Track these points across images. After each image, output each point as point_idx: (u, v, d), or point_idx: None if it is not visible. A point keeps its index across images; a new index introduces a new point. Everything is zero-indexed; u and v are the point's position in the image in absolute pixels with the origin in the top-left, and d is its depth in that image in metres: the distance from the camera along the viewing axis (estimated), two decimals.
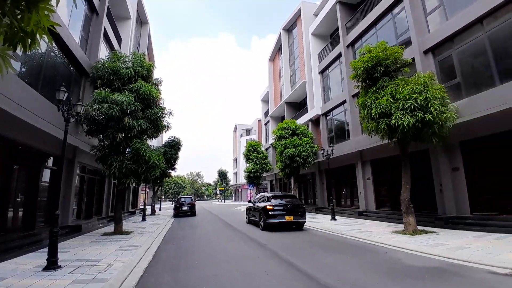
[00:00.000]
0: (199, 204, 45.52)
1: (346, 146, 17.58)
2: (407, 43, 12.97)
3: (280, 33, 31.25)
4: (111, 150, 10.99)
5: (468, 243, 7.60)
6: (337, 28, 19.85)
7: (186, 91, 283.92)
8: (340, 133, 19.59)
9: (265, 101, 40.15)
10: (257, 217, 13.07)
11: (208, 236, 11.24)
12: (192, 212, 21.88)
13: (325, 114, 21.28)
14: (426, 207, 12.21)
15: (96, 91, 10.55)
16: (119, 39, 18.66)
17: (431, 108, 8.60)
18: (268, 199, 12.56)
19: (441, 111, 8.71)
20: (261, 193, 14.97)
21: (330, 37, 22.70)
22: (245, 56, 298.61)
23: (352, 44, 18.09)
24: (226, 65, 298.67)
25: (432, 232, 9.73)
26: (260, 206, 12.79)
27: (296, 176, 21.30)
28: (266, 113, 38.01)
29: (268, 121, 35.75)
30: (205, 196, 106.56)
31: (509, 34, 9.09)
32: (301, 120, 23.93)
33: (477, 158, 10.37)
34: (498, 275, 5.10)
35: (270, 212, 11.86)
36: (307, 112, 23.82)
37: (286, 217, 11.80)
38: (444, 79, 11.34)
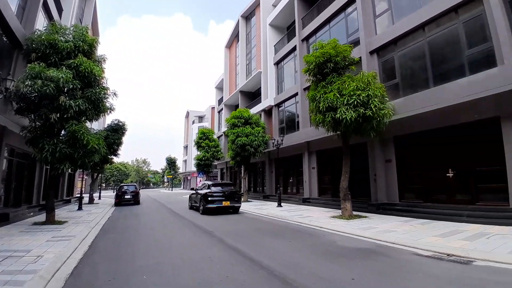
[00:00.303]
0: (144, 193, 43.68)
1: (296, 137, 18.31)
2: (356, 42, 13.77)
3: (238, 20, 30.78)
4: (44, 132, 9.83)
5: (396, 227, 8.52)
6: (294, 21, 20.21)
7: (135, 72, 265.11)
8: (290, 124, 20.29)
9: (220, 88, 39.54)
10: (198, 202, 14.27)
11: (152, 225, 10.91)
12: (135, 200, 20.93)
13: (278, 105, 21.79)
14: (362, 194, 13.41)
15: (29, 65, 9.28)
16: (60, 10, 16.49)
17: (372, 104, 9.38)
18: (209, 187, 13.84)
19: (379, 108, 9.55)
20: (203, 182, 16.10)
21: (287, 30, 23.05)
22: (201, 40, 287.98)
23: (307, 38, 18.62)
24: (179, 47, 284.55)
25: (365, 216, 10.75)
26: (201, 193, 13.90)
27: (246, 165, 21.59)
28: (220, 101, 37.53)
29: (222, 109, 35.38)
30: (151, 184, 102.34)
31: (447, 41, 10.22)
32: (255, 110, 24.17)
33: (407, 152, 11.63)
34: (422, 256, 5.75)
35: (209, 198, 13.26)
36: (260, 102, 24.11)
37: (224, 202, 13.37)
38: (385, 79, 12.37)
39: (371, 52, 12.87)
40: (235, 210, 14.23)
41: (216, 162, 32.60)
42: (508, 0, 8.46)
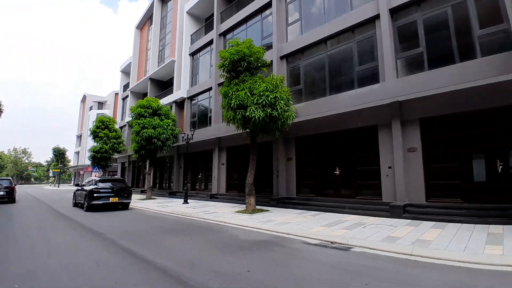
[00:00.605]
0: (22, 189, 36.22)
1: (207, 132, 18.10)
2: (269, 46, 14.45)
3: (154, 2, 28.48)
4: None
5: (292, 219, 9.30)
6: (213, 14, 19.90)
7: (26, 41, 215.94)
8: (203, 118, 19.95)
9: (126, 73, 35.77)
10: (83, 199, 13.47)
11: (30, 226, 9.06)
12: (10, 198, 17.12)
13: (191, 98, 21.12)
14: (266, 190, 14.31)
15: None
16: None
17: (278, 106, 10.03)
18: (95, 183, 13.27)
19: (284, 110, 10.30)
20: (89, 178, 15.09)
21: (205, 21, 22.54)
22: (109, 16, 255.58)
23: (224, 34, 18.59)
24: (83, 22, 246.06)
25: (267, 210, 11.44)
26: (87, 189, 13.18)
27: (152, 159, 20.17)
28: (126, 87, 33.96)
29: (127, 96, 32.03)
30: (32, 180, 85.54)
31: (343, 56, 11.73)
32: (165, 100, 22.83)
33: (305, 151, 12.91)
34: (310, 244, 6.40)
35: (95, 194, 12.59)
36: (172, 93, 22.91)
37: (111, 198, 12.84)
38: (291, 84, 13.42)
39: (281, 57, 13.76)
40: (124, 207, 13.84)
41: (116, 156, 29.39)
42: (397, 26, 10.24)
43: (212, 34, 19.21)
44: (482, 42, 8.43)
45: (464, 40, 8.74)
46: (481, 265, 4.57)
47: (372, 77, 10.63)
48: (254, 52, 11.16)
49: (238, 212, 11.19)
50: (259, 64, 11.62)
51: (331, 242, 6.49)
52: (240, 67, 10.96)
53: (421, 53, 9.58)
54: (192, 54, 21.88)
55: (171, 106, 22.46)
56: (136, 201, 17.69)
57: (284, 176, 12.99)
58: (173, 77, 23.50)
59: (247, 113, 9.95)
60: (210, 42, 19.68)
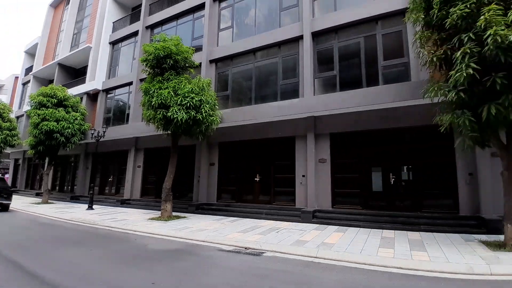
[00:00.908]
0: None
1: (123, 130, 16.51)
2: (199, 48, 14.13)
3: None
4: None
5: (209, 225, 9.10)
6: (141, 4, 18.51)
7: None
8: (120, 115, 18.16)
9: (31, 54, 30.17)
10: None
11: None
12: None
13: (107, 91, 19.04)
14: (186, 195, 13.78)
15: None
16: None
17: (203, 109, 9.81)
18: None
19: (209, 114, 10.15)
20: None
21: (132, 10, 20.81)
22: None
23: (152, 27, 17.47)
24: None
25: (184, 217, 10.96)
26: None
27: (52, 157, 17.31)
28: (29, 70, 28.64)
29: (29, 81, 27.06)
30: None
31: (269, 69, 12.28)
32: (75, 91, 20.01)
33: (228, 157, 12.94)
34: (224, 251, 6.32)
35: None
36: (85, 83, 20.24)
37: None
38: (219, 89, 13.37)
39: (211, 61, 13.63)
40: (4, 208, 12.97)
41: (9, 150, 24.39)
42: (317, 49, 11.17)
43: (138, 25, 17.84)
44: (384, 72, 9.92)
45: (371, 68, 10.14)
46: (375, 267, 5.17)
47: (293, 92, 11.39)
48: (182, 51, 10.74)
49: (152, 219, 10.41)
50: (187, 65, 11.23)
51: (245, 248, 6.55)
52: (166, 64, 10.39)
53: (334, 76, 10.72)
54: (113, 43, 19.87)
55: (81, 98, 19.77)
56: (29, 205, 15.03)
57: (206, 182, 12.72)
58: (87, 66, 20.82)
59: (169, 114, 9.45)
60: (135, 34, 18.21)
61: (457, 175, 8.39)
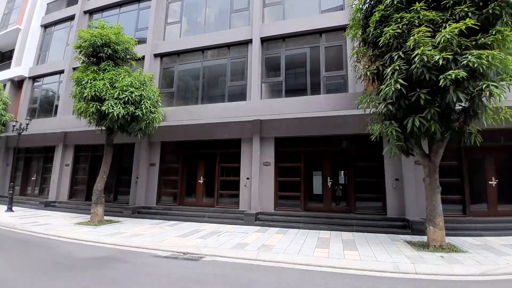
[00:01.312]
0: None
1: (51, 123, 14.58)
2: (143, 40, 13.27)
3: None
4: None
5: (146, 230, 8.50)
6: None
7: None
8: (47, 106, 16.06)
9: None
10: None
11: None
12: None
13: (34, 78, 16.71)
14: (122, 198, 12.72)
15: None
16: None
17: (143, 105, 9.16)
18: None
19: (151, 111, 9.51)
20: None
21: None
22: None
23: (91, 12, 15.87)
24: None
25: (118, 221, 10.09)
26: None
27: None
28: None
29: None
30: None
31: (218, 69, 12.09)
32: None
33: (171, 157, 12.37)
34: (160, 257, 5.92)
35: None
36: (9, 68, 17.49)
37: None
38: (164, 85, 12.70)
39: (156, 55, 12.89)
40: None
41: None
42: (265, 55, 11.34)
43: (76, 9, 16.06)
44: (326, 82, 10.49)
45: (314, 78, 10.63)
46: (310, 266, 5.36)
47: (240, 95, 11.38)
48: (122, 41, 9.99)
49: (80, 224, 9.35)
50: (128, 56, 10.46)
51: (184, 253, 6.25)
52: (103, 53, 9.54)
53: (281, 82, 11.01)
54: (45, 26, 17.57)
55: (4, 86, 17.02)
56: None
57: (145, 183, 11.88)
58: (14, 49, 18.03)
59: (103, 108, 8.63)
60: (71, 18, 16.33)
61: (385, 180, 9.24)
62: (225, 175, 11.38)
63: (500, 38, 5.26)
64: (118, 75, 9.26)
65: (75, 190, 14.21)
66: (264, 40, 11.39)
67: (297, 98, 10.19)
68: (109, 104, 8.58)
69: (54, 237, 7.64)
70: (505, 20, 5.47)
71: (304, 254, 5.98)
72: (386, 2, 6.38)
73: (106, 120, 8.93)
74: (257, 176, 10.24)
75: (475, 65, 5.01)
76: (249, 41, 11.42)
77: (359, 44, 7.82)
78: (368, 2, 7.35)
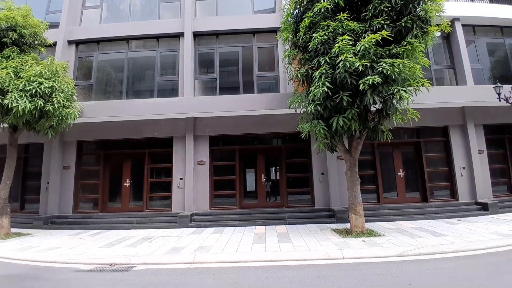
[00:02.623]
0: None
1: None
2: (55, 24, 11.40)
3: None
4: None
5: (62, 243, 7.46)
6: None
7: None
8: None
9: None
10: None
11: None
12: None
13: None
14: (31, 207, 10.84)
15: None
16: None
17: (55, 99, 7.89)
18: None
19: (64, 105, 8.24)
20: None
21: None
22: None
23: None
24: None
25: (28, 234, 8.65)
26: None
27: None
28: None
29: None
30: None
31: (145, 62, 11.33)
32: None
33: (90, 159, 11.06)
34: (82, 271, 5.26)
35: None
36: None
37: None
38: (80, 77, 11.21)
39: (70, 42, 11.25)
40: None
41: None
42: (198, 50, 11.02)
43: None
44: (259, 81, 10.76)
45: (248, 77, 10.80)
46: (249, 263, 5.42)
47: (172, 90, 10.83)
48: (31, 24, 8.66)
49: None
50: (36, 42, 9.03)
51: (110, 265, 5.64)
52: (7, 38, 8.18)
53: (215, 79, 10.87)
54: None
55: None
56: None
57: (58, 189, 10.25)
58: None
59: (6, 101, 7.21)
60: None
61: (313, 174, 10.01)
62: (156, 176, 10.70)
63: (410, 48, 6.18)
64: (25, 63, 7.85)
65: None
66: (196, 35, 11.06)
67: (231, 96, 10.18)
68: (13, 97, 7.18)
69: None
70: (415, 32, 6.44)
71: (242, 252, 6.03)
72: (314, 9, 6.86)
73: (9, 116, 7.45)
74: (191, 176, 9.90)
75: (389, 72, 5.79)
76: (181, 34, 10.92)
77: (290, 47, 8.25)
78: (298, 8, 7.79)
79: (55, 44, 10.54)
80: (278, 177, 10.59)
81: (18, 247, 6.97)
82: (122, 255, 6.07)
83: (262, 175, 10.47)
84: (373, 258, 5.46)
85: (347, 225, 7.88)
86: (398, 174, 10.30)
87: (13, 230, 8.70)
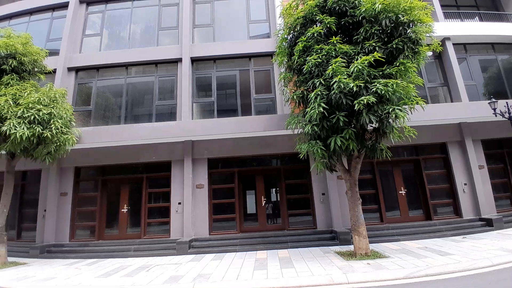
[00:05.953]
0: None
1: None
2: (56, 52, 11.68)
3: None
4: None
5: (58, 272, 7.24)
6: None
7: None
8: None
9: None
10: None
11: None
12: None
13: None
14: (27, 235, 10.56)
15: None
16: None
17: (53, 125, 7.91)
18: None
19: (62, 131, 8.24)
20: None
21: None
22: None
23: None
24: None
25: (24, 263, 8.42)
26: None
27: None
28: None
29: None
30: None
31: (144, 87, 11.49)
32: None
33: (88, 185, 10.87)
34: None
35: None
36: None
37: None
38: (79, 103, 11.32)
39: (70, 69, 11.46)
40: None
41: None
42: (196, 75, 11.22)
43: None
44: (256, 104, 10.88)
45: (245, 99, 10.93)
46: None
47: (170, 114, 10.91)
48: (31, 52, 8.88)
49: None
50: (36, 69, 9.22)
51: None
52: (7, 65, 8.34)
53: (212, 102, 10.99)
54: None
55: None
56: None
57: (54, 217, 10.02)
58: None
59: (4, 128, 7.24)
60: None
61: (314, 195, 9.86)
62: (154, 202, 10.50)
63: (403, 68, 6.30)
64: (24, 90, 7.97)
65: None
66: (194, 60, 11.31)
67: (229, 119, 10.23)
68: (11, 124, 7.20)
69: None
70: (406, 53, 6.58)
71: (243, 279, 5.81)
72: (308, 34, 7.06)
73: (7, 143, 7.44)
74: (189, 200, 9.73)
75: (383, 92, 5.86)
76: (179, 60, 11.17)
77: (285, 70, 8.40)
78: (292, 33, 8.02)
79: (54, 71, 10.75)
80: (278, 199, 10.42)
81: (15, 276, 6.82)
82: (119, 286, 5.85)
83: (262, 197, 10.31)
84: (379, 282, 5.27)
85: (351, 247, 7.66)
86: (400, 192, 10.17)
87: (10, 259, 8.50)
